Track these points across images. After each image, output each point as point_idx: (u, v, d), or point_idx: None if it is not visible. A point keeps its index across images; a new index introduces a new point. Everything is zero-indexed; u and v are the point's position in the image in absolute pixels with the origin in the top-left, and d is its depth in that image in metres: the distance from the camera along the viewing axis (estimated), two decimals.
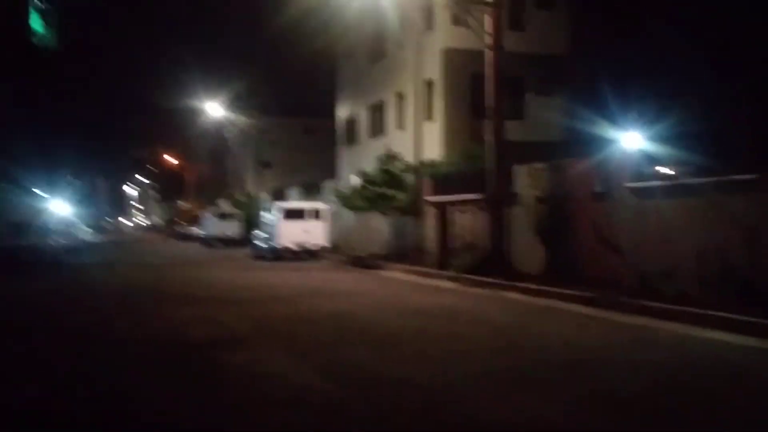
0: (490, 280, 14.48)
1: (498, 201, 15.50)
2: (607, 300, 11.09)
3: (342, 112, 34.30)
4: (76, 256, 26.53)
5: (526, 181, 15.77)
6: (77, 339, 9.03)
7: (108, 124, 75.07)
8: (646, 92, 16.89)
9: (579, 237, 14.06)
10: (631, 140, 13.03)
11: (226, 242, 37.53)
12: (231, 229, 38.82)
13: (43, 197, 39.94)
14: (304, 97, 45.89)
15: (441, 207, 19.16)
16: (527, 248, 15.55)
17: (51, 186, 43.43)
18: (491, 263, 15.27)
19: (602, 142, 14.06)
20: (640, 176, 12.53)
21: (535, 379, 6.46)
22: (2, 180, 33.72)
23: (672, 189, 11.78)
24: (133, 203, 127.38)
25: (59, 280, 18.26)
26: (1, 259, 21.20)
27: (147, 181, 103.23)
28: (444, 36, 24.16)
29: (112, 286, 16.36)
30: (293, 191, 36.38)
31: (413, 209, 20.60)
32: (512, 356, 7.54)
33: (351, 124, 33.06)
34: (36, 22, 79.10)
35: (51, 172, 45.69)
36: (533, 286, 13.18)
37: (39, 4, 79.44)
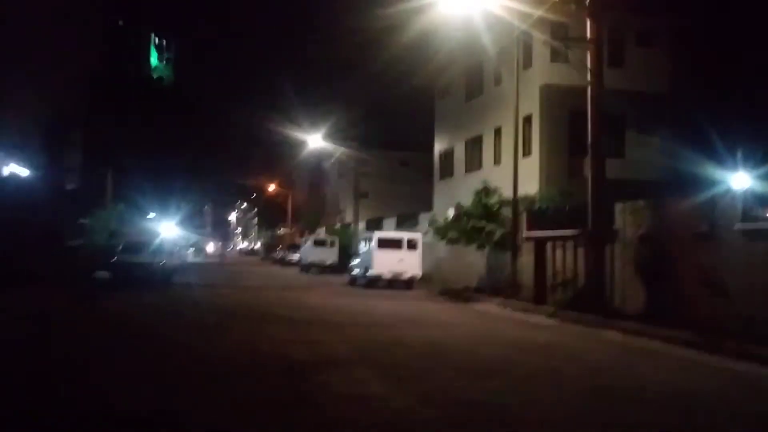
0: (587, 317, 14.32)
1: (597, 238, 15.35)
2: (711, 343, 10.79)
3: (439, 146, 34.74)
4: (183, 276, 27.97)
5: (627, 218, 15.55)
6: (185, 354, 9.63)
7: (216, 152, 78.67)
8: (751, 130, 16.40)
9: (681, 278, 13.72)
10: (737, 180, 12.70)
11: (323, 269, 38.48)
12: (328, 256, 39.77)
13: (156, 219, 42.36)
14: (403, 131, 46.74)
15: (538, 242, 19.09)
16: (626, 287, 15.28)
17: (162, 209, 46.01)
18: (589, 300, 15.10)
19: (705, 182, 13.76)
20: (747, 217, 12.17)
21: (630, 424, 6.40)
22: (121, 202, 36.09)
23: None
24: (236, 228, 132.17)
25: (168, 298, 19.35)
26: (118, 276, 22.65)
27: (249, 208, 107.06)
28: (542, 72, 24.23)
29: (217, 306, 17.21)
30: (389, 221, 36.97)
31: (509, 243, 20.59)
32: (609, 397, 7.50)
33: (447, 157, 33.42)
34: (154, 58, 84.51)
35: (163, 197, 48.42)
36: (633, 326, 12.94)
37: (158, 41, 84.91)
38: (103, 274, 23.76)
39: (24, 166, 32.30)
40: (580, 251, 16.40)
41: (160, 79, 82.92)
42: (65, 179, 35.34)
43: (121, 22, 65.85)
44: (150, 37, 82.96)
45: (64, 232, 27.29)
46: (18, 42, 33.52)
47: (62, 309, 15.39)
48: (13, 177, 30.24)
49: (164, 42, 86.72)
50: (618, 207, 15.88)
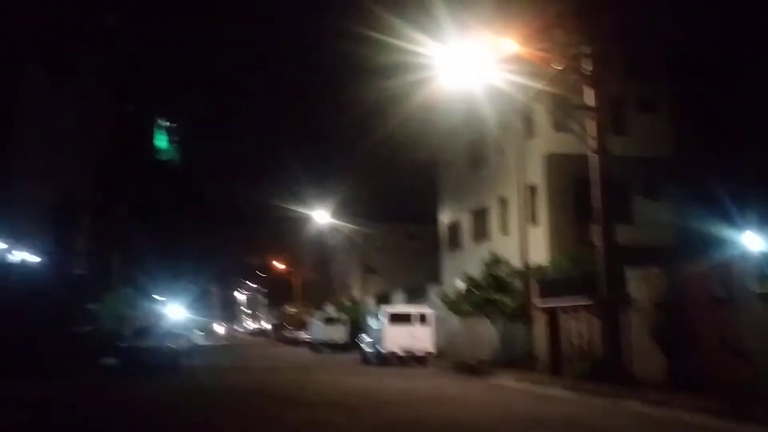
0: (606, 388, 13.90)
1: (611, 305, 15.08)
2: (737, 411, 10.40)
3: (444, 217, 34.77)
4: (191, 359, 27.52)
5: (641, 285, 15.32)
6: None
7: (223, 232, 78.97)
8: (761, 190, 16.35)
9: (701, 344, 13.38)
10: (750, 241, 12.56)
11: (333, 347, 37.90)
12: (337, 333, 39.24)
13: (162, 302, 42.11)
14: (407, 204, 46.91)
15: (551, 312, 18.80)
16: (645, 355, 14.90)
17: (170, 292, 45.81)
18: (607, 370, 14.71)
19: (718, 245, 13.62)
20: (764, 279, 11.95)
21: None
22: (129, 285, 35.97)
23: None
24: (243, 308, 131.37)
25: (175, 384, 18.95)
26: (126, 362, 22.29)
27: (256, 287, 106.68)
28: (546, 141, 24.45)
29: (225, 389, 16.82)
30: (398, 296, 36.63)
31: (521, 314, 20.29)
32: None
33: (454, 229, 33.39)
34: (159, 140, 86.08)
35: (171, 279, 48.31)
36: (655, 396, 12.53)
37: (163, 124, 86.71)
38: (110, 360, 23.41)
39: (32, 253, 32.34)
40: (595, 320, 16.10)
41: (166, 162, 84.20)
42: (73, 264, 35.32)
43: (131, 107, 67.34)
44: (155, 120, 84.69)
45: (71, 318, 27.06)
46: (27, 128, 34.21)
47: (66, 398, 15.03)
48: (21, 264, 30.24)
49: (170, 125, 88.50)
50: (631, 273, 15.67)
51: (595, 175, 15.68)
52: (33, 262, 31.48)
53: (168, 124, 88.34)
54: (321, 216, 46.14)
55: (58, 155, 35.81)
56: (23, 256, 31.60)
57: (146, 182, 58.10)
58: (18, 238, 31.43)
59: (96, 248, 40.70)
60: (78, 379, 19.36)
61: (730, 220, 14.38)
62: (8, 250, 30.85)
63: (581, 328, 17.27)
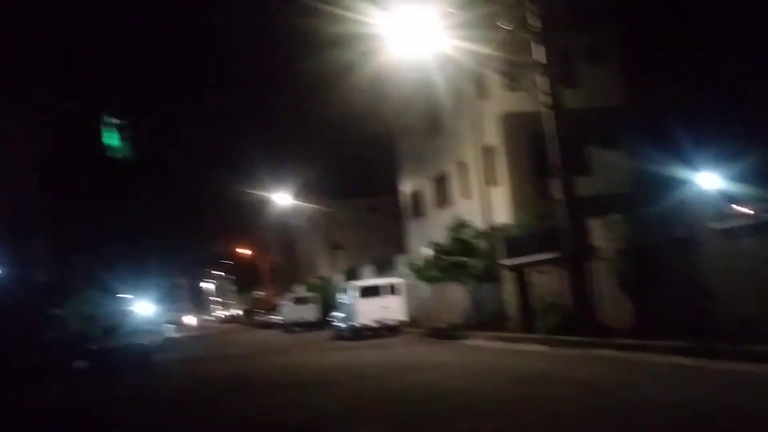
0: (578, 339, 14.14)
1: (576, 258, 15.28)
2: (707, 348, 10.65)
3: (406, 186, 34.76)
4: (163, 353, 27.21)
5: (604, 234, 15.54)
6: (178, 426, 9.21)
7: (186, 223, 77.89)
8: (715, 129, 16.61)
9: (667, 286, 13.65)
10: (707, 180, 12.79)
11: (306, 326, 37.87)
12: (309, 313, 39.21)
13: (129, 299, 41.44)
14: (367, 177, 46.77)
15: (518, 270, 18.99)
16: (613, 303, 15.17)
17: (137, 288, 45.09)
18: (577, 322, 14.95)
19: (676, 186, 13.82)
20: (721, 217, 12.20)
21: None
22: (92, 287, 35.27)
23: (763, 227, 11.40)
24: (212, 297, 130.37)
25: (149, 377, 18.75)
26: (98, 363, 21.93)
27: (223, 274, 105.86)
28: (500, 102, 24.46)
29: (200, 381, 16.65)
30: (366, 269, 36.67)
31: (489, 275, 20.47)
32: (621, 419, 7.29)
33: (416, 197, 33.42)
34: (109, 138, 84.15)
35: (136, 276, 47.55)
36: (626, 341, 12.79)
37: (110, 121, 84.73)
38: (81, 363, 23.00)
39: None
40: (562, 273, 16.30)
41: (119, 158, 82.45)
42: (33, 272, 34.52)
43: (74, 106, 65.57)
44: (102, 119, 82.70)
45: (37, 326, 26.46)
46: None
47: (39, 404, 14.73)
48: None
49: (119, 122, 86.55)
50: (593, 223, 15.88)
51: (550, 131, 15.77)
52: None
53: (117, 121, 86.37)
54: (282, 197, 45.79)
55: (3, 166, 34.79)
56: None
57: (100, 182, 56.89)
58: None
59: (55, 254, 39.84)
60: (50, 385, 19.00)
61: (686, 161, 14.59)
62: None
63: (549, 282, 17.49)
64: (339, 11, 16.80)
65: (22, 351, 22.28)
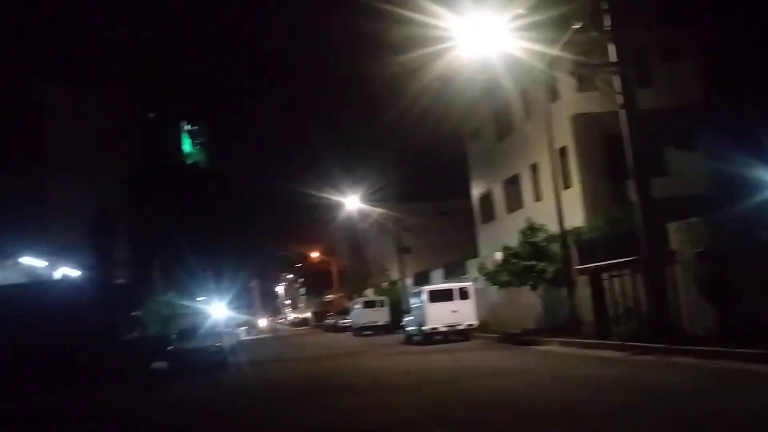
0: (656, 345, 13.72)
1: (653, 262, 14.84)
2: None
3: (476, 190, 34.54)
4: (237, 355, 27.89)
5: (682, 238, 15.04)
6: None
7: (258, 227, 79.63)
8: None
9: (749, 291, 13.09)
10: None
11: (375, 330, 38.09)
12: (378, 316, 39.43)
13: (205, 301, 42.67)
14: (437, 181, 46.75)
15: (592, 274, 18.57)
16: (692, 309, 14.67)
17: (211, 291, 46.39)
18: (655, 328, 14.51)
19: (757, 187, 13.28)
20: None
21: None
22: (171, 290, 36.54)
23: None
24: (283, 300, 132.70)
25: (226, 380, 19.23)
26: (176, 364, 22.62)
27: (294, 278, 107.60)
28: (571, 103, 24.08)
29: (275, 381, 16.98)
30: (436, 273, 36.59)
31: (562, 279, 20.09)
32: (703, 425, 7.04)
33: (486, 201, 33.16)
34: (186, 144, 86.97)
35: (211, 279, 48.94)
36: (706, 348, 12.32)
37: (185, 127, 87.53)
38: (160, 364, 23.79)
39: (74, 267, 32.97)
40: (639, 278, 15.88)
41: (194, 164, 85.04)
42: (115, 274, 35.95)
43: (151, 115, 68.08)
44: (180, 125, 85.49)
45: (118, 327, 27.54)
46: (56, 145, 34.77)
47: (131, 404, 15.34)
48: (64, 279, 30.85)
49: (192, 128, 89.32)
50: (671, 227, 15.39)
51: (624, 131, 15.39)
52: (77, 277, 32.10)
53: (190, 126, 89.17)
54: (351, 202, 46.21)
55: (88, 168, 36.38)
56: (65, 271, 32.24)
57: (177, 186, 58.79)
58: (58, 254, 32.05)
59: (135, 256, 41.38)
60: (131, 385, 19.73)
61: (766, 161, 13.99)
62: (50, 267, 31.51)
63: (625, 287, 17.05)
64: (409, 14, 16.86)
65: (103, 351, 23.16)
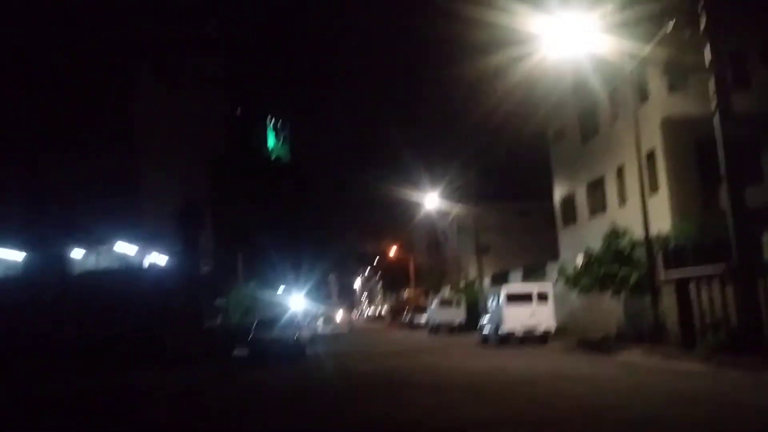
0: (746, 360, 13.13)
1: (746, 273, 14.20)
2: None
3: (559, 192, 33.90)
4: (314, 347, 28.42)
5: None
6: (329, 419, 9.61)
7: (337, 221, 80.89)
8: None
9: None
10: None
11: (451, 329, 37.99)
12: (455, 315, 39.30)
13: (285, 292, 43.68)
14: (519, 181, 46.12)
15: (679, 282, 17.92)
16: None
17: (291, 282, 47.44)
18: (744, 341, 13.89)
19: None
20: None
21: None
22: (252, 279, 37.58)
23: None
24: (360, 294, 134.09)
25: (304, 370, 19.65)
26: (256, 353, 23.29)
27: (372, 272, 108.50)
28: (661, 105, 23.29)
29: (353, 375, 17.22)
30: (515, 274, 36.15)
31: (646, 286, 19.47)
32: None
33: (569, 203, 32.49)
34: (270, 139, 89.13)
35: (290, 270, 50.04)
36: None
37: (270, 123, 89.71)
38: (241, 351, 24.54)
39: (163, 254, 34.42)
40: (729, 289, 15.24)
41: (278, 158, 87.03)
42: (200, 263, 37.30)
43: (238, 110, 70.08)
44: (266, 120, 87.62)
45: (201, 314, 28.59)
46: (147, 138, 36.31)
47: (216, 385, 15.97)
48: (153, 266, 32.25)
49: (276, 123, 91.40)
50: (765, 237, 14.69)
51: (718, 135, 14.77)
52: (165, 264, 33.52)
53: (275, 121, 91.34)
54: (431, 199, 46.19)
55: (177, 161, 37.86)
56: (154, 258, 33.72)
57: (261, 180, 60.36)
58: (148, 242, 33.54)
59: (220, 247, 42.79)
60: (213, 369, 20.48)
61: None
62: (141, 254, 33.00)
63: (713, 297, 16.37)
64: (495, 13, 16.73)
65: (187, 336, 24.12)
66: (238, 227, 47.05)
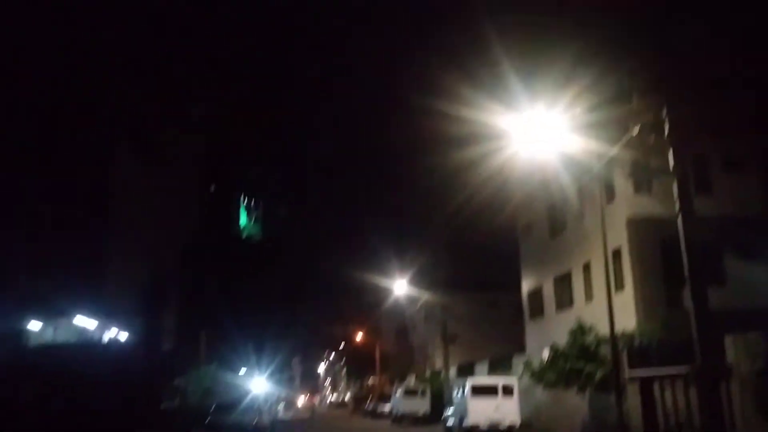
0: None
1: (709, 375, 14.27)
2: None
3: (526, 284, 34.13)
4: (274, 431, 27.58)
5: (740, 352, 14.51)
6: None
7: (304, 304, 80.00)
8: None
9: None
10: None
11: (415, 419, 37.18)
12: (419, 405, 38.55)
13: (246, 375, 42.63)
14: (488, 271, 46.37)
15: (644, 381, 17.95)
16: (749, 427, 13.96)
17: (253, 364, 46.36)
18: None
19: None
20: None
21: None
22: (213, 360, 36.70)
23: None
24: (324, 380, 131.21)
25: None
26: None
27: (336, 358, 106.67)
28: (627, 204, 23.90)
29: None
30: (481, 366, 35.85)
31: (611, 384, 19.42)
32: None
33: (536, 296, 32.66)
34: (244, 218, 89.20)
35: (254, 352, 48.98)
36: None
37: (242, 201, 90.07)
38: None
39: (123, 330, 33.63)
40: (692, 390, 15.28)
41: (249, 237, 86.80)
42: (161, 341, 36.45)
43: (213, 188, 70.32)
44: (240, 198, 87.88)
45: (160, 394, 27.72)
46: (119, 211, 36.12)
47: None
48: (113, 342, 31.46)
49: (249, 202, 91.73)
50: (728, 340, 14.88)
51: (682, 238, 15.14)
52: (126, 340, 32.71)
53: (247, 200, 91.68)
54: (400, 286, 46.10)
55: (147, 236, 37.57)
56: (114, 333, 32.90)
57: (230, 258, 59.87)
58: (110, 316, 32.81)
59: (183, 324, 41.96)
60: None
61: None
62: (101, 328, 32.20)
63: (677, 398, 16.40)
64: (466, 110, 17.30)
65: (143, 417, 23.32)
66: (204, 306, 46.29)
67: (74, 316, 30.92)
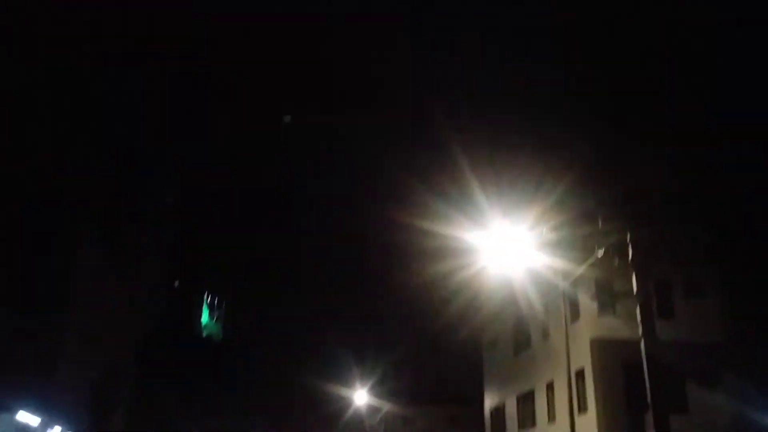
0: None
1: None
2: None
3: (489, 401, 33.56)
4: None
5: None
6: None
7: (262, 410, 77.22)
8: None
9: None
10: None
11: None
12: None
13: None
14: (450, 385, 45.64)
15: None
16: None
17: None
18: None
19: None
20: None
21: None
22: None
23: None
24: None
25: None
26: None
27: None
28: (591, 324, 23.98)
29: None
30: None
31: None
32: None
33: (499, 413, 32.05)
34: (206, 317, 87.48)
35: None
36: None
37: (205, 299, 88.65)
38: None
39: (68, 429, 31.92)
40: None
41: (209, 337, 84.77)
42: None
43: (176, 284, 69.22)
44: (203, 296, 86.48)
45: None
46: (75, 303, 35.08)
47: None
48: None
49: (211, 301, 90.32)
50: None
51: (645, 364, 15.13)
52: None
53: (209, 299, 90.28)
54: (361, 395, 44.99)
55: (100, 329, 36.33)
56: None
57: (187, 360, 58.15)
58: (54, 414, 31.16)
59: (133, 426, 39.97)
60: None
61: None
62: (43, 426, 30.50)
63: None
64: (435, 226, 17.56)
65: None
66: (157, 409, 44.40)
67: (17, 411, 29.32)
